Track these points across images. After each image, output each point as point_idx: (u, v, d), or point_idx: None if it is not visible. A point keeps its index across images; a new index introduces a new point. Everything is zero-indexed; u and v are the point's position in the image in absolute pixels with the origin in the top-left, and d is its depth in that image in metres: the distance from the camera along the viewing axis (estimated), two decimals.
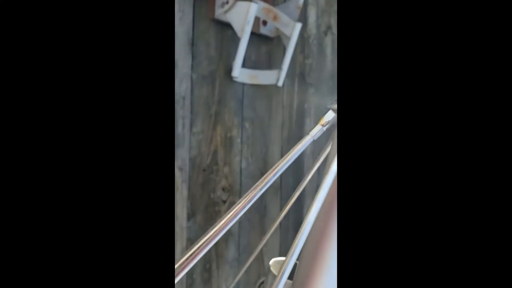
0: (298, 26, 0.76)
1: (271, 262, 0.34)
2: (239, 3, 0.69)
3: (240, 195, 0.81)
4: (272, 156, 0.87)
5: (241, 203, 0.24)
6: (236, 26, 0.70)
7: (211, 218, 0.75)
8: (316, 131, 0.26)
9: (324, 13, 1.02)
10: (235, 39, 0.78)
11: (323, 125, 0.26)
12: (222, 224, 0.23)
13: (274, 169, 0.25)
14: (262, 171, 0.85)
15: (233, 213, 0.23)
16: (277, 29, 0.81)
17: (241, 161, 0.81)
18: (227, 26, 0.77)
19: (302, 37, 0.95)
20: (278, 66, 0.84)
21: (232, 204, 0.79)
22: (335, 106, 0.26)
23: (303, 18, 0.96)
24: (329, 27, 1.04)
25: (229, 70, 0.78)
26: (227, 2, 0.71)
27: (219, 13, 0.73)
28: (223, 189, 0.77)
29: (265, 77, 0.81)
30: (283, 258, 0.33)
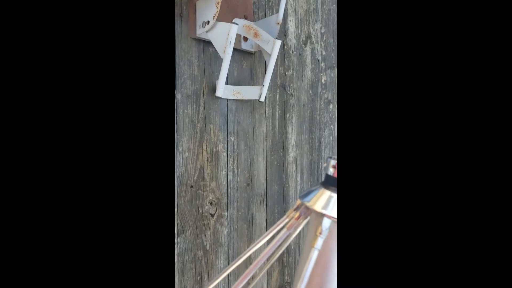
0: (278, 43, 0.78)
1: None
2: (220, 24, 0.71)
3: (227, 207, 0.83)
4: (257, 166, 0.90)
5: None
6: (217, 46, 0.72)
7: (201, 232, 0.78)
8: (292, 225, 0.27)
9: (303, 23, 1.05)
10: (217, 56, 0.80)
11: (296, 219, 0.28)
12: None
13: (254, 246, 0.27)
14: (248, 182, 0.88)
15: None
16: (258, 44, 0.83)
17: (227, 174, 0.83)
18: (208, 43, 0.78)
19: (282, 49, 0.98)
20: (260, 81, 0.86)
21: (220, 217, 0.82)
22: (307, 202, 0.27)
23: (282, 29, 0.98)
24: (308, 37, 1.07)
25: (213, 87, 0.79)
26: (208, 22, 0.72)
27: (200, 32, 0.75)
28: (211, 203, 0.80)
29: (247, 92, 0.84)
30: None
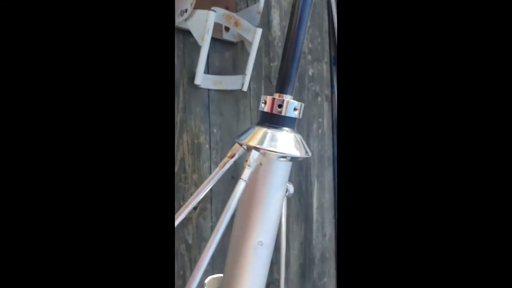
0: (259, 31, 0.77)
1: (207, 280, 0.36)
2: (198, 11, 0.69)
3: (211, 200, 0.81)
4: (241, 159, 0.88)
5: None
6: (196, 34, 0.71)
7: (182, 226, 0.76)
8: (224, 163, 0.27)
9: (287, 15, 1.04)
10: (198, 46, 0.79)
11: (230, 157, 0.27)
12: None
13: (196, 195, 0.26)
14: (233, 175, 0.86)
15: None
16: (240, 34, 0.81)
17: (211, 167, 0.82)
18: (188, 33, 0.77)
19: (267, 40, 0.96)
20: (243, 71, 0.85)
21: (203, 209, 0.80)
22: (241, 140, 0.27)
23: (266, 21, 0.97)
24: None
25: (193, 77, 0.78)
26: (186, 11, 0.71)
27: (179, 21, 0.73)
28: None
29: (230, 82, 0.82)
30: (220, 275, 0.34)
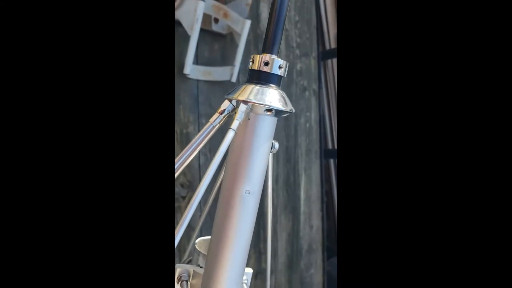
0: (248, 23, 0.78)
1: (197, 240, 0.37)
2: (187, 1, 0.70)
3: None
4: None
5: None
6: (185, 24, 0.71)
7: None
8: (214, 118, 0.29)
9: None
10: (187, 37, 0.79)
11: (220, 113, 0.29)
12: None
13: (182, 156, 0.28)
14: (221, 165, 0.87)
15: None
16: (229, 26, 0.82)
17: (199, 157, 0.82)
18: (177, 23, 0.77)
19: (255, 34, 0.97)
20: (232, 63, 0.86)
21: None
22: (230, 96, 0.29)
23: (255, 15, 0.98)
24: None
25: (182, 67, 0.78)
26: (175, 1, 0.71)
27: None
28: (182, 186, 0.78)
29: (218, 73, 0.83)
30: (208, 237, 0.35)
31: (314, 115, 1.21)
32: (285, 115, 0.29)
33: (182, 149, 0.79)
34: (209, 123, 0.29)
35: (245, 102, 0.27)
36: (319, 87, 1.27)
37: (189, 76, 0.78)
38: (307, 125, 1.18)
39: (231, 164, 0.29)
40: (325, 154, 1.24)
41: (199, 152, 0.85)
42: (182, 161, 0.28)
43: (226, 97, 0.29)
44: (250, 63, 0.29)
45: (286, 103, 0.28)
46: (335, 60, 1.34)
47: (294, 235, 1.12)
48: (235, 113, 0.28)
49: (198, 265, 0.35)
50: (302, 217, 1.15)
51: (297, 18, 1.14)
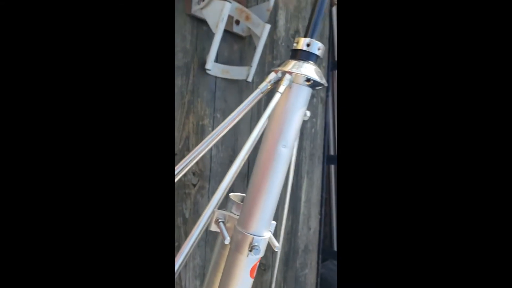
0: (268, 27, 0.83)
1: (231, 194, 0.42)
2: (215, 2, 0.75)
3: (209, 180, 0.86)
4: (240, 145, 0.94)
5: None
6: (211, 22, 0.76)
7: (182, 200, 0.80)
8: (263, 86, 0.35)
9: (293, 18, 1.11)
10: (209, 35, 0.85)
11: (267, 82, 0.35)
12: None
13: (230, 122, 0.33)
14: (231, 159, 0.91)
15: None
16: (249, 29, 0.88)
17: (211, 149, 0.87)
18: (202, 22, 0.83)
19: (272, 39, 1.03)
20: (249, 63, 0.91)
21: (201, 187, 0.85)
22: (277, 68, 0.35)
23: (273, 21, 1.04)
24: (296, 31, 1.13)
25: (203, 63, 0.83)
26: (203, 0, 0.77)
27: (195, 9, 0.79)
28: (194, 174, 0.83)
29: (236, 72, 0.88)
30: (239, 194, 0.40)
31: (320, 121, 1.26)
32: (319, 87, 0.36)
33: (197, 140, 0.83)
34: (258, 89, 0.35)
35: (290, 72, 0.33)
36: (327, 95, 1.32)
37: (209, 72, 0.83)
38: (313, 130, 1.23)
39: (273, 122, 0.35)
40: (327, 159, 1.29)
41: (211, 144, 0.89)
42: (231, 120, 0.33)
43: (272, 69, 0.35)
44: (295, 44, 0.35)
45: (321, 77, 0.34)
46: None
47: (292, 234, 1.15)
48: (281, 80, 0.34)
49: (233, 213, 0.41)
50: (301, 218, 1.19)
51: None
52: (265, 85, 0.36)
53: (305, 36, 0.35)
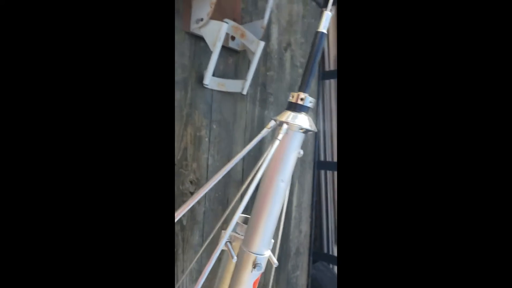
0: (262, 44, 0.88)
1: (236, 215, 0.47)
2: (213, 22, 0.80)
3: None
4: (235, 154, 0.98)
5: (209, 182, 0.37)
6: (208, 40, 0.81)
7: (179, 207, 0.85)
8: (264, 132, 0.41)
9: (285, 32, 1.17)
10: (207, 51, 0.89)
11: (268, 128, 0.40)
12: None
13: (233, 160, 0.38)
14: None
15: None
16: (244, 44, 0.93)
17: (208, 158, 0.91)
18: (200, 38, 0.87)
19: (265, 52, 1.08)
20: (243, 77, 0.96)
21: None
22: (276, 117, 0.40)
23: (266, 34, 1.09)
24: (289, 44, 1.19)
25: (200, 77, 0.88)
26: (202, 19, 0.81)
27: (194, 27, 0.84)
28: (191, 182, 0.87)
29: (231, 85, 0.93)
30: (243, 215, 0.46)
31: None
32: (310, 132, 0.42)
33: (195, 150, 0.88)
34: (260, 134, 0.41)
35: (287, 123, 0.39)
36: (317, 104, 1.38)
37: (206, 86, 0.88)
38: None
39: (272, 162, 0.41)
40: (318, 165, 1.35)
41: (208, 153, 0.94)
42: (239, 158, 0.39)
43: (272, 118, 0.41)
44: (290, 98, 0.41)
45: (311, 125, 0.40)
46: (333, 81, 1.46)
47: (284, 237, 1.21)
48: (280, 128, 0.39)
49: (237, 233, 0.47)
50: (292, 222, 1.24)
51: (302, 40, 1.25)
52: (266, 131, 0.42)
53: (299, 90, 0.41)
